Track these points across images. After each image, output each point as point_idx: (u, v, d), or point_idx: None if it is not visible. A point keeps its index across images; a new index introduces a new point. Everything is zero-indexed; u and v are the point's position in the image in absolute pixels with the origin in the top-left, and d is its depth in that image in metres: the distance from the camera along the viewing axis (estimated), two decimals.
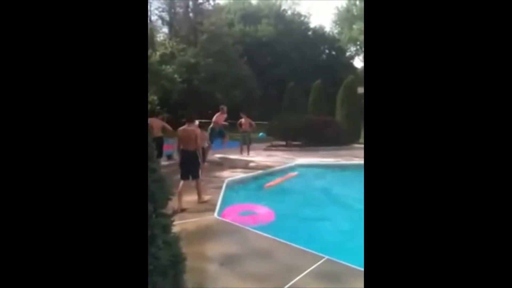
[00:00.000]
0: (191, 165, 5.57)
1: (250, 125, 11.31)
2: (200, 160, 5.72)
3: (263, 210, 5.55)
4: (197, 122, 6.15)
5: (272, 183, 7.52)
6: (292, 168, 8.94)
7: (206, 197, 5.76)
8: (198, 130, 5.78)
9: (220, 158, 9.49)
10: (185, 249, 1.98)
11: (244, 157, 9.90)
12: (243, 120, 11.29)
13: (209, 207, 5.31)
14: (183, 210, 5.20)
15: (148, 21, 23.61)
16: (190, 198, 5.58)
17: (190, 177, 5.59)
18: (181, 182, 5.55)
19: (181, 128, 5.70)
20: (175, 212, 5.20)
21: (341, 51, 30.71)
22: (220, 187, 6.50)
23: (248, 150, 11.12)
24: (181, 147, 5.61)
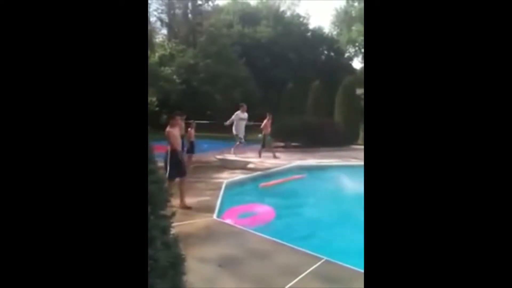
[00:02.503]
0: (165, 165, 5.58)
1: (269, 125, 10.79)
2: (168, 161, 5.54)
3: (262, 209, 5.55)
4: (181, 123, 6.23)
5: (270, 183, 7.55)
6: (291, 170, 8.95)
7: (187, 202, 5.58)
8: (169, 131, 5.60)
9: (218, 159, 9.47)
10: (184, 251, 1.98)
11: (243, 158, 9.88)
12: (266, 121, 10.76)
13: (208, 208, 5.32)
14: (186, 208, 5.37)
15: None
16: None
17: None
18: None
19: None
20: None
21: (340, 52, 30.70)
22: (219, 188, 6.50)
23: (261, 152, 10.65)
24: None
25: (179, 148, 5.72)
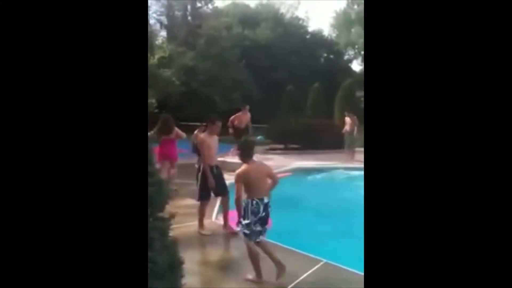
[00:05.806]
0: None
1: (353, 124, 10.01)
2: (199, 179, 4.52)
3: None
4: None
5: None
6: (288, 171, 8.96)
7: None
8: (203, 139, 4.58)
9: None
10: (182, 253, 1.98)
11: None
12: (347, 118, 10.21)
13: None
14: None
15: None
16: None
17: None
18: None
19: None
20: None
21: (339, 54, 30.80)
22: None
23: (353, 154, 9.89)
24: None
25: (212, 163, 4.49)
